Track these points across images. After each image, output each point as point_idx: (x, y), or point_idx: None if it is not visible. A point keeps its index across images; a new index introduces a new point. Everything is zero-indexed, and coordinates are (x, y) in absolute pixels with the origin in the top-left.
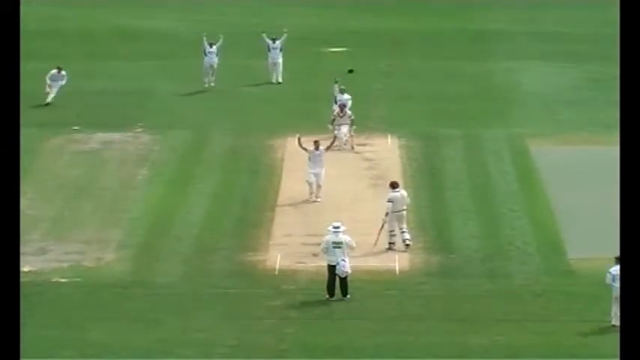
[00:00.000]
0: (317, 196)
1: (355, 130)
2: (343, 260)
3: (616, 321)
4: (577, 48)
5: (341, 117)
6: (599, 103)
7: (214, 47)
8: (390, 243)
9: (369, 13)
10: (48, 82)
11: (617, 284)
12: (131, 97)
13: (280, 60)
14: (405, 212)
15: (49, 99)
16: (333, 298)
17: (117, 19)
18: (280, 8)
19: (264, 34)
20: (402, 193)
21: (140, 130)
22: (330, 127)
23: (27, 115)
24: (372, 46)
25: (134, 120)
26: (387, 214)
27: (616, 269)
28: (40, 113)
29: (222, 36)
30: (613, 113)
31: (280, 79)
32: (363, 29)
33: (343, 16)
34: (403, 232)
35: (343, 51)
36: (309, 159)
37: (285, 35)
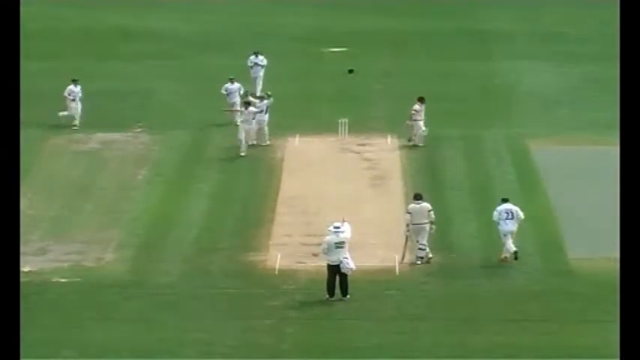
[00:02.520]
0: (243, 151)
1: (355, 130)
2: (346, 258)
3: (507, 253)
4: (577, 48)
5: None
6: (599, 103)
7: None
8: (418, 257)
9: (369, 13)
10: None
11: (503, 221)
12: (131, 97)
13: (262, 74)
14: (426, 226)
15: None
16: (333, 298)
17: (117, 19)
18: (280, 8)
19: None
20: (422, 205)
21: (140, 130)
22: (409, 122)
23: (27, 115)
24: (372, 46)
25: (134, 120)
26: (407, 225)
27: (502, 207)
28: (40, 113)
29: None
30: (613, 113)
31: (259, 93)
32: (363, 29)
33: (343, 16)
34: (420, 247)
35: (343, 51)
36: (241, 115)
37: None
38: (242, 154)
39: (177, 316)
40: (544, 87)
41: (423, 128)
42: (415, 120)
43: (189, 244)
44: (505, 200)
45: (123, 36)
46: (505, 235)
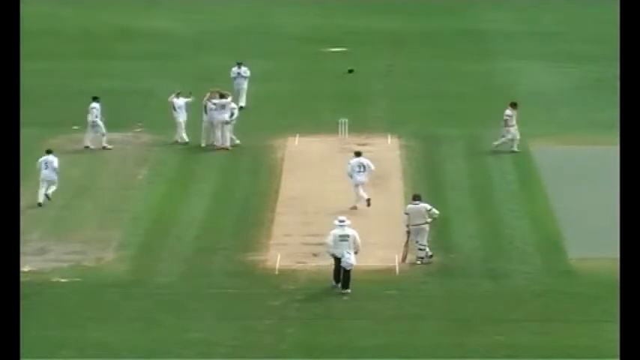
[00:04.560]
0: (223, 143)
1: (355, 130)
2: (348, 253)
3: (356, 203)
4: (577, 48)
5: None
6: (599, 103)
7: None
8: (419, 257)
9: (369, 13)
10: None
11: (356, 173)
12: (131, 97)
13: (245, 86)
14: (425, 227)
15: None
16: (338, 286)
17: (117, 19)
18: (280, 8)
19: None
20: (420, 206)
21: (140, 130)
22: (504, 128)
23: (27, 115)
24: (372, 46)
25: (134, 120)
26: (407, 225)
27: (355, 161)
28: (40, 113)
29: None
30: (613, 113)
31: (243, 104)
32: (363, 29)
33: (343, 16)
34: (420, 248)
35: (343, 51)
36: (216, 108)
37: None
38: (220, 145)
39: (177, 316)
40: (544, 87)
41: (518, 136)
42: (508, 126)
43: (189, 244)
44: (358, 154)
45: (123, 36)
46: (357, 186)
